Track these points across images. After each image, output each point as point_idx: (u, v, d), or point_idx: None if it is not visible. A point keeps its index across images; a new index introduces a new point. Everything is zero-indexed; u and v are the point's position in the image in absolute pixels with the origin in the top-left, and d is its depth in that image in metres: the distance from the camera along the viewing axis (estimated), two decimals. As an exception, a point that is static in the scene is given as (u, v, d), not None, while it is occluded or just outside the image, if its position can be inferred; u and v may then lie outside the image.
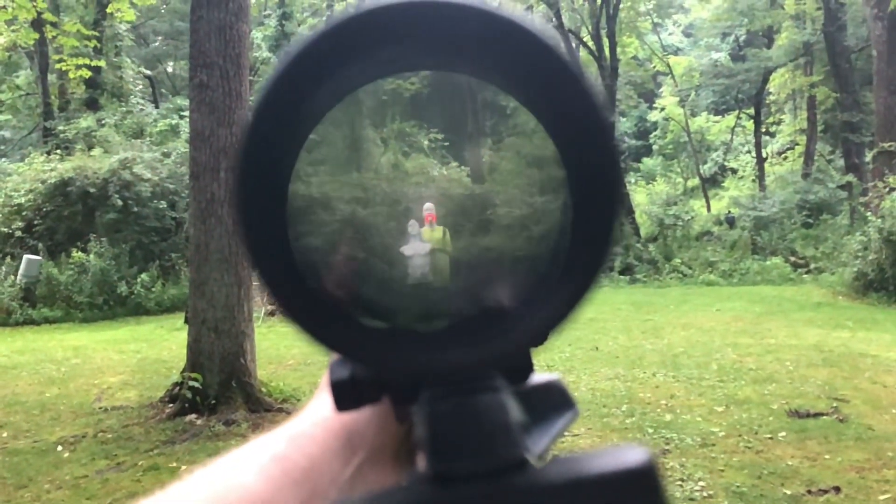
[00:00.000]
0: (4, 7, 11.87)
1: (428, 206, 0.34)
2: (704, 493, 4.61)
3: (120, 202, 16.10)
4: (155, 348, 10.93)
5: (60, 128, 20.21)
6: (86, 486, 5.22)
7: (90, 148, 18.18)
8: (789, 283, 16.60)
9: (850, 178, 20.54)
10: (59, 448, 6.12)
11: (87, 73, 15.04)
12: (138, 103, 24.13)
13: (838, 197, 20.88)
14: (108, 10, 15.36)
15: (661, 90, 33.63)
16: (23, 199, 16.56)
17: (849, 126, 21.55)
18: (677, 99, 30.06)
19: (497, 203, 0.35)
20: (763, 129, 28.86)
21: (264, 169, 0.32)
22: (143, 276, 15.79)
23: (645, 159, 35.60)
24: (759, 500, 4.49)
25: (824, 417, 6.10)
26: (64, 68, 15.23)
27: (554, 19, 22.43)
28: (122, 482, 5.27)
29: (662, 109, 32.26)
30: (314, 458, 0.48)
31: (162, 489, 0.44)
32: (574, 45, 24.89)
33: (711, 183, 31.08)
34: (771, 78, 26.68)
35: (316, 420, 0.51)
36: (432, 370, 0.34)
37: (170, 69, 33.66)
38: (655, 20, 31.35)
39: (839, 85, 22.48)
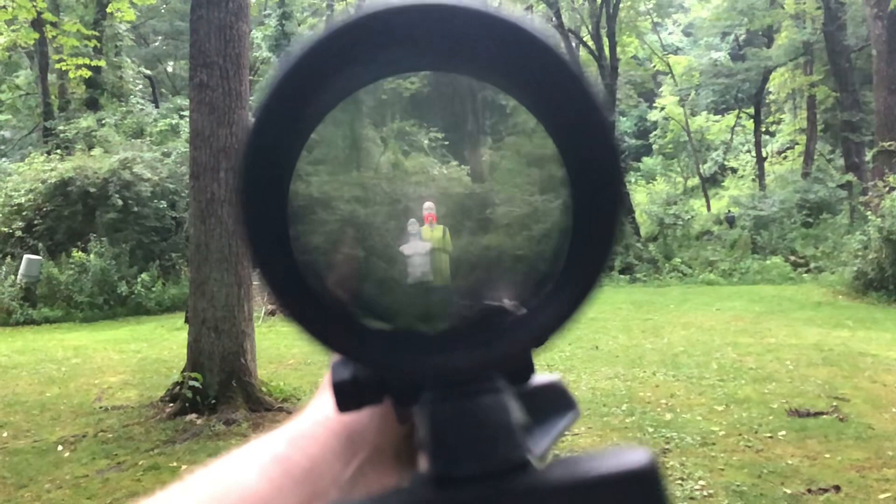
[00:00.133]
0: (4, 7, 11.87)
1: (428, 205, 0.35)
2: (704, 493, 4.61)
3: (120, 202, 16.10)
4: (155, 348, 10.93)
5: (60, 128, 20.20)
6: (86, 485, 5.22)
7: (90, 148, 18.18)
8: (789, 282, 16.60)
9: (850, 177, 20.53)
10: (60, 448, 6.12)
11: (87, 73, 15.03)
12: (138, 103, 24.11)
13: (838, 196, 20.87)
14: (108, 10, 15.36)
15: (660, 90, 33.58)
16: (23, 199, 16.56)
17: (849, 125, 21.53)
18: (677, 98, 30.03)
19: (497, 202, 0.35)
20: (763, 129, 28.85)
21: (266, 169, 0.32)
22: (144, 275, 15.78)
23: (645, 159, 35.58)
24: (760, 499, 4.49)
25: (824, 416, 6.10)
26: (64, 68, 15.23)
27: (554, 19, 22.43)
28: (123, 482, 5.26)
29: (662, 109, 32.22)
30: (315, 459, 0.48)
31: (163, 489, 0.44)
32: (574, 44, 24.87)
33: (711, 182, 31.06)
34: (771, 77, 26.67)
35: (317, 420, 0.51)
36: (434, 371, 0.34)
37: (170, 69, 33.65)
38: (655, 19, 31.34)
39: (839, 84, 22.47)
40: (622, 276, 17.91)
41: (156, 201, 16.70)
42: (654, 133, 34.11)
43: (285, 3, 24.82)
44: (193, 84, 7.29)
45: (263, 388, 7.22)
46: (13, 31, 14.96)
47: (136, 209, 16.37)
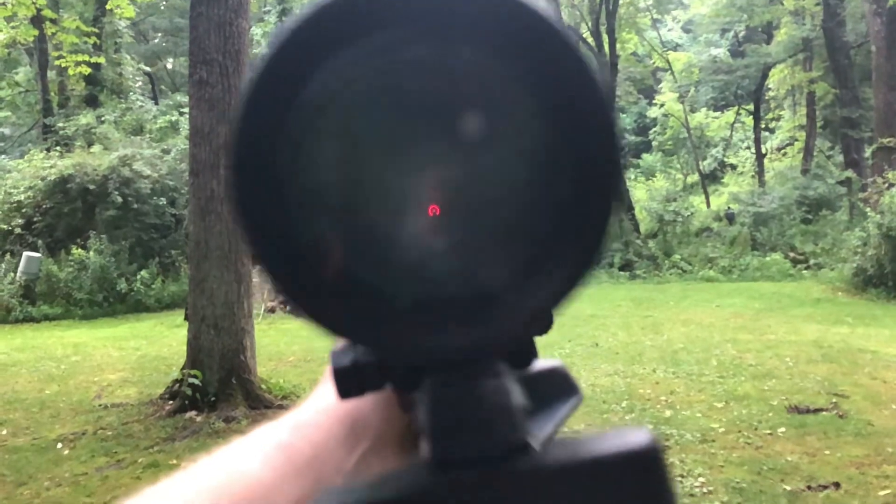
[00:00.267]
0: (4, 4, 11.86)
1: (422, 188, 0.34)
2: (704, 489, 4.62)
3: (120, 199, 16.09)
4: (155, 345, 10.94)
5: (60, 125, 20.19)
6: (85, 483, 5.23)
7: (90, 145, 18.17)
8: (789, 279, 16.61)
9: (850, 173, 20.53)
10: (59, 445, 6.12)
11: (86, 70, 15.04)
12: (138, 100, 24.10)
13: (837, 193, 20.87)
14: (108, 7, 15.34)
15: (660, 86, 33.59)
16: (22, 196, 16.55)
17: (848, 122, 21.54)
18: (677, 95, 30.03)
19: (492, 183, 0.35)
20: (762, 125, 28.86)
21: (259, 156, 0.32)
22: (143, 272, 15.78)
23: (644, 155, 35.57)
24: (759, 495, 4.49)
25: (824, 413, 6.10)
26: (63, 65, 15.24)
27: (553, 15, 22.41)
28: (122, 479, 5.27)
29: (662, 105, 32.22)
30: (318, 447, 0.48)
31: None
32: (573, 41, 24.85)
33: (711, 179, 31.08)
34: (770, 74, 26.66)
35: (319, 408, 0.51)
36: (433, 351, 0.34)
37: (169, 66, 33.65)
38: (655, 16, 31.33)
39: (838, 81, 22.47)
40: (622, 273, 17.91)
41: (155, 198, 16.70)
42: (654, 130, 34.12)
43: (284, -1, 24.81)
44: (193, 81, 7.29)
45: (263, 386, 7.22)
46: (13, 27, 14.96)
47: (135, 206, 16.37)
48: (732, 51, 30.23)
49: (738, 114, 30.93)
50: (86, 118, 20.00)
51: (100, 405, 7.40)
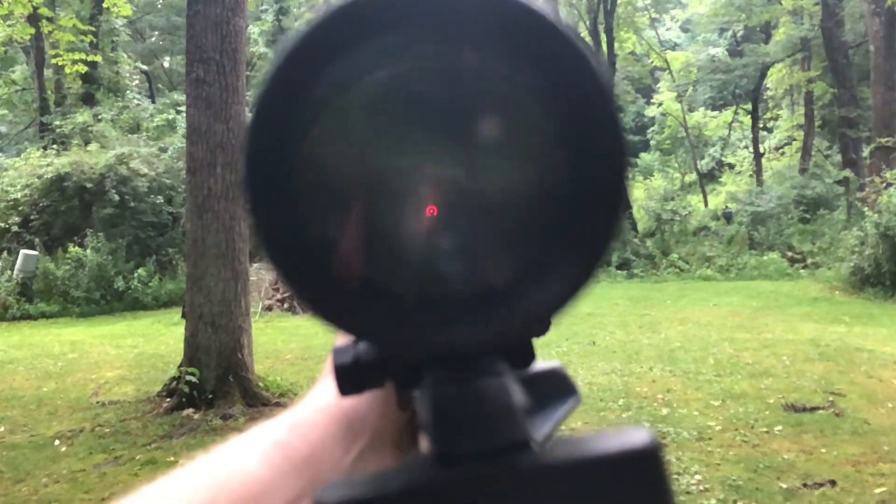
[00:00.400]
0: (0, 2, 11.84)
1: (428, 186, 0.35)
2: (701, 487, 4.62)
3: (117, 197, 16.08)
4: (152, 343, 10.93)
5: (57, 123, 20.17)
6: (83, 480, 5.23)
7: (87, 143, 18.15)
8: (786, 278, 16.62)
9: (848, 173, 20.55)
10: (57, 442, 6.12)
11: (83, 68, 15.03)
12: (135, 98, 24.09)
13: (835, 192, 20.90)
14: (105, 5, 15.32)
15: (658, 85, 33.58)
16: (19, 194, 16.54)
17: (846, 121, 21.55)
18: (675, 94, 30.02)
19: (496, 181, 0.35)
20: (760, 125, 28.87)
21: (271, 151, 0.32)
22: (140, 270, 15.77)
23: (642, 154, 35.56)
24: (755, 493, 4.50)
25: (820, 411, 6.11)
26: (60, 63, 15.22)
27: (551, 14, 22.40)
28: (120, 476, 5.27)
29: (660, 105, 32.21)
30: (315, 445, 0.48)
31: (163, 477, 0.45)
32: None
33: (709, 178, 31.08)
34: (768, 73, 26.67)
35: (317, 406, 0.51)
36: (438, 348, 0.35)
37: (166, 64, 33.60)
38: (653, 15, 31.33)
39: (836, 80, 22.48)
40: (619, 272, 17.91)
41: (152, 196, 16.69)
42: (652, 129, 34.10)
43: (282, -2, 24.78)
44: (190, 79, 7.28)
45: (260, 384, 7.22)
46: (9, 25, 14.94)
47: (132, 204, 16.35)
48: (731, 50, 30.22)
49: (736, 113, 30.95)
50: (82, 116, 19.98)
51: (97, 402, 7.39)
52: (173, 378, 7.24)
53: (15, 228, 16.15)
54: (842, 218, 18.96)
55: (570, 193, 0.33)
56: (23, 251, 15.39)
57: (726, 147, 32.91)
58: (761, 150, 27.64)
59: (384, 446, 0.52)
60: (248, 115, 0.32)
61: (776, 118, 31.87)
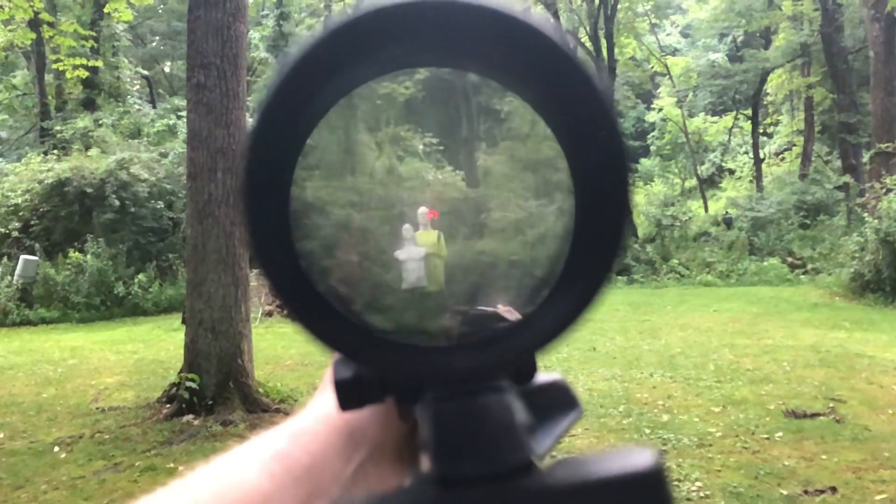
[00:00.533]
0: (1, 7, 11.85)
1: (422, 210, 0.34)
2: (701, 494, 4.61)
3: (117, 202, 16.08)
4: (152, 349, 10.92)
5: (57, 128, 20.19)
6: (83, 486, 5.21)
7: (87, 148, 18.16)
8: (786, 283, 16.62)
9: (847, 178, 20.58)
10: (56, 449, 6.11)
11: (84, 74, 15.00)
12: (135, 103, 24.11)
13: (835, 198, 20.92)
14: (106, 10, 15.31)
15: (658, 91, 33.64)
16: (20, 200, 16.54)
17: (846, 127, 21.57)
18: (675, 100, 30.07)
19: (492, 207, 0.34)
20: (760, 130, 28.91)
21: (269, 170, 0.32)
22: (141, 276, 15.77)
23: (643, 160, 35.61)
24: (756, 500, 4.49)
25: (821, 418, 6.10)
26: (61, 68, 15.18)
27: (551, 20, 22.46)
28: (119, 483, 5.26)
29: (660, 110, 32.27)
30: (316, 456, 0.48)
31: (162, 487, 0.45)
32: (572, 45, 24.90)
33: (709, 184, 31.11)
34: (768, 79, 26.73)
35: (318, 417, 0.51)
36: (434, 373, 0.34)
37: (167, 69, 33.64)
38: (653, 21, 31.40)
39: (836, 86, 22.51)
40: (619, 278, 17.91)
41: (153, 202, 16.69)
42: (652, 134, 34.15)
43: (283, 3, 24.84)
44: (191, 84, 7.28)
45: (260, 389, 7.21)
46: (10, 31, 14.93)
47: (133, 210, 16.36)
48: (731, 56, 30.27)
49: (736, 118, 30.99)
50: (83, 121, 20.00)
51: (97, 409, 7.38)
52: (173, 384, 7.23)
53: (15, 234, 16.15)
54: (842, 223, 18.97)
55: (573, 214, 0.33)
56: (23, 257, 15.39)
57: (726, 152, 32.95)
58: (761, 156, 27.67)
59: (385, 458, 0.51)
60: (249, 121, 0.32)
61: (776, 123, 31.92)
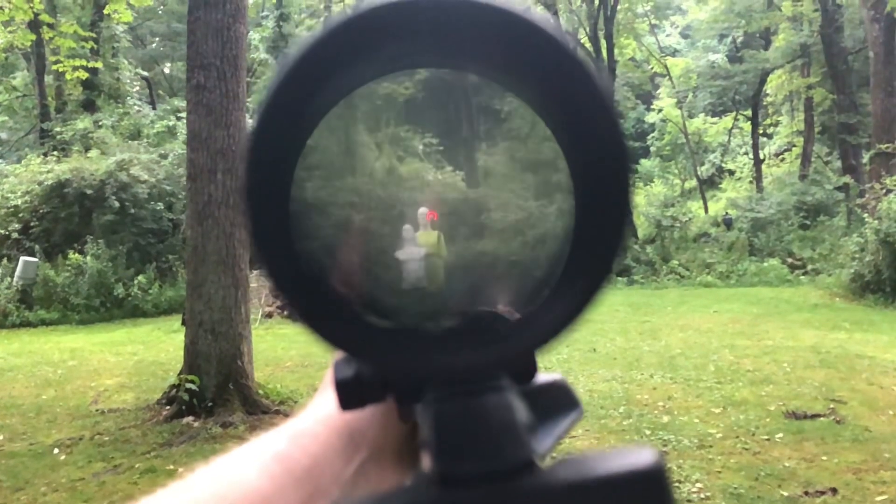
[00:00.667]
0: (1, 8, 11.86)
1: (422, 210, 0.34)
2: (702, 495, 4.61)
3: (117, 204, 16.09)
4: (152, 350, 10.92)
5: (57, 129, 20.20)
6: (82, 488, 5.21)
7: (87, 149, 18.18)
8: (786, 284, 16.62)
9: (847, 179, 20.59)
10: (56, 451, 6.11)
11: (83, 75, 15.02)
12: (135, 105, 24.13)
13: (835, 198, 20.93)
14: (105, 12, 15.33)
15: (658, 91, 33.65)
16: (19, 201, 16.55)
17: (846, 127, 21.59)
18: (675, 100, 30.09)
19: (492, 207, 0.34)
20: (760, 131, 28.93)
21: (270, 170, 0.32)
22: (140, 277, 15.77)
23: (642, 161, 35.62)
24: (756, 501, 4.49)
25: (821, 419, 6.10)
26: (61, 69, 15.20)
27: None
28: (119, 485, 5.26)
29: (660, 111, 32.29)
30: (316, 457, 0.48)
31: (162, 489, 0.44)
32: (571, 46, 24.95)
33: (709, 184, 31.13)
34: (768, 79, 26.75)
35: (318, 418, 0.51)
36: (436, 372, 0.34)
37: (167, 70, 33.67)
38: (653, 21, 31.43)
39: (836, 86, 22.52)
40: (619, 279, 17.91)
41: (153, 203, 16.70)
42: (652, 135, 34.16)
43: (283, 4, 24.86)
44: (191, 86, 7.29)
45: (260, 391, 7.21)
46: (10, 32, 14.94)
47: (132, 211, 16.36)
48: (730, 56, 30.30)
49: (736, 119, 31.00)
50: (83, 123, 20.01)
51: (97, 410, 7.38)
52: (173, 386, 7.22)
53: (15, 235, 16.16)
54: (842, 224, 18.98)
55: (573, 213, 0.33)
56: (23, 258, 15.39)
57: (726, 153, 32.97)
58: (761, 157, 27.69)
59: (385, 458, 0.51)
60: (249, 122, 0.32)
61: (776, 124, 31.94)
